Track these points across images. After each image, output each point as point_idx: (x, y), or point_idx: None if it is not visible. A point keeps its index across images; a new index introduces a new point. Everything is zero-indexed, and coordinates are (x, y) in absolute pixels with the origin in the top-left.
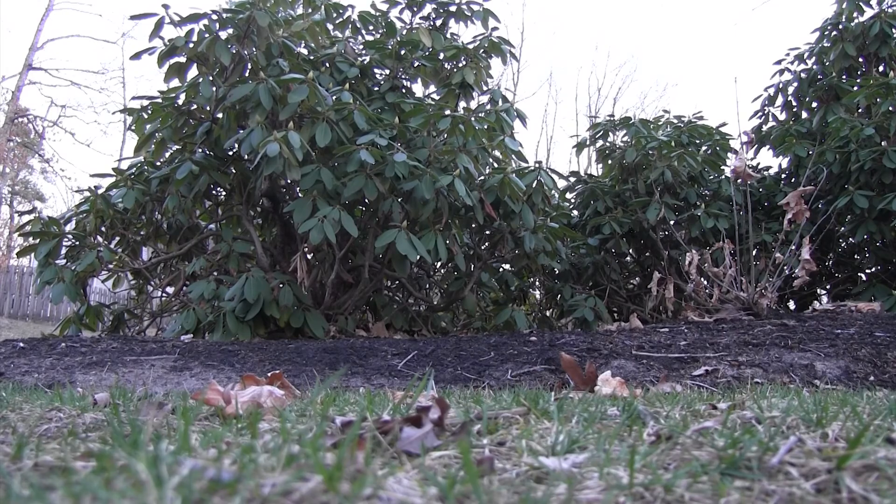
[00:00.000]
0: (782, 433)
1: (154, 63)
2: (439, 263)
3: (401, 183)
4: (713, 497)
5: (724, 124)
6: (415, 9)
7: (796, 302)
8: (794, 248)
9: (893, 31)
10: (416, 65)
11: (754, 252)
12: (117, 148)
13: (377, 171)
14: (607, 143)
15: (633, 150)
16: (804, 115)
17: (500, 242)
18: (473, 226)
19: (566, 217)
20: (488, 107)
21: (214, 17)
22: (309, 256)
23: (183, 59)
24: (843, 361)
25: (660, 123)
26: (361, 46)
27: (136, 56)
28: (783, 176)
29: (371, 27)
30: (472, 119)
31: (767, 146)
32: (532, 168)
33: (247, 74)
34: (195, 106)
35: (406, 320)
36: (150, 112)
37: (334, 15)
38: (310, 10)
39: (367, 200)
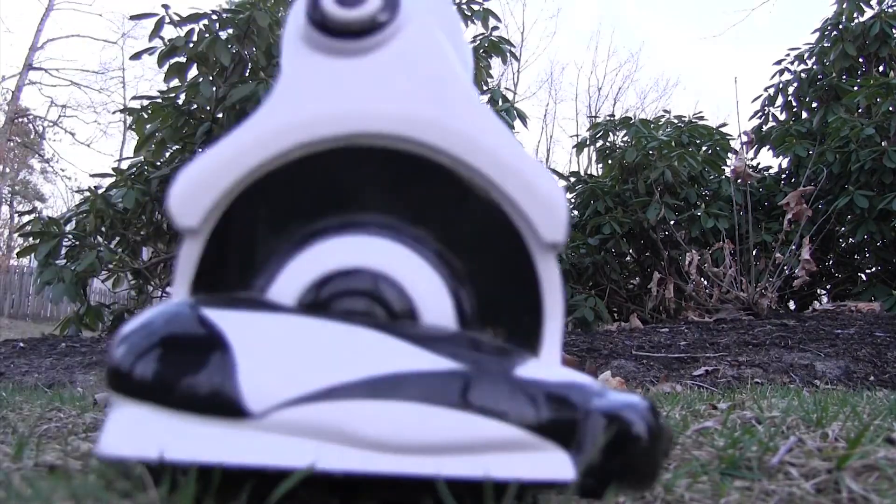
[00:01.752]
0: (782, 433)
1: (154, 63)
2: None
3: None
4: (713, 497)
5: (724, 124)
6: None
7: (796, 302)
8: (794, 248)
9: (893, 31)
10: None
11: (754, 252)
12: (117, 148)
13: None
14: (607, 143)
15: (633, 150)
16: (804, 115)
17: None
18: None
19: None
20: (488, 106)
21: (214, 17)
22: None
23: (183, 59)
24: (843, 361)
25: (660, 123)
26: None
27: (137, 56)
28: (783, 176)
29: None
30: None
31: (767, 146)
32: None
33: (247, 74)
34: (195, 106)
35: None
36: (150, 112)
37: None
38: None
39: None
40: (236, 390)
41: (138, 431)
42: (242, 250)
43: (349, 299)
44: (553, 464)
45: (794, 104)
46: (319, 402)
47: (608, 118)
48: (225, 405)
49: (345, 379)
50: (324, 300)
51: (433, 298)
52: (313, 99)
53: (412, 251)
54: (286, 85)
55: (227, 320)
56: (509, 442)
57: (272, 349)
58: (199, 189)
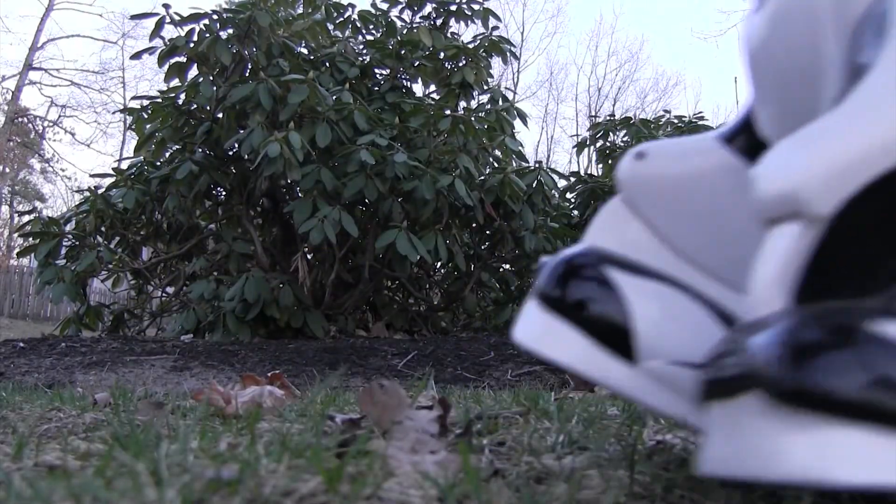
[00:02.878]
0: None
1: (154, 63)
2: (439, 263)
3: (401, 183)
4: (714, 497)
5: (724, 125)
6: (415, 8)
7: None
8: None
9: None
10: (416, 64)
11: None
12: (117, 148)
13: (377, 171)
14: (608, 143)
15: None
16: None
17: (500, 242)
18: (473, 226)
19: (566, 217)
20: (488, 106)
21: (215, 17)
22: (309, 256)
23: (183, 59)
24: None
25: (660, 123)
26: (362, 46)
27: (137, 56)
28: None
29: (371, 27)
30: (473, 119)
31: None
32: (532, 168)
33: (247, 74)
34: (195, 106)
35: (406, 320)
36: (150, 112)
37: (335, 15)
38: (310, 10)
39: (367, 201)
40: None
41: (880, 457)
42: (857, 254)
43: None
44: None
45: None
46: None
47: (608, 118)
48: None
49: None
50: None
51: None
52: None
53: None
54: None
55: None
56: None
57: None
58: (844, 173)
